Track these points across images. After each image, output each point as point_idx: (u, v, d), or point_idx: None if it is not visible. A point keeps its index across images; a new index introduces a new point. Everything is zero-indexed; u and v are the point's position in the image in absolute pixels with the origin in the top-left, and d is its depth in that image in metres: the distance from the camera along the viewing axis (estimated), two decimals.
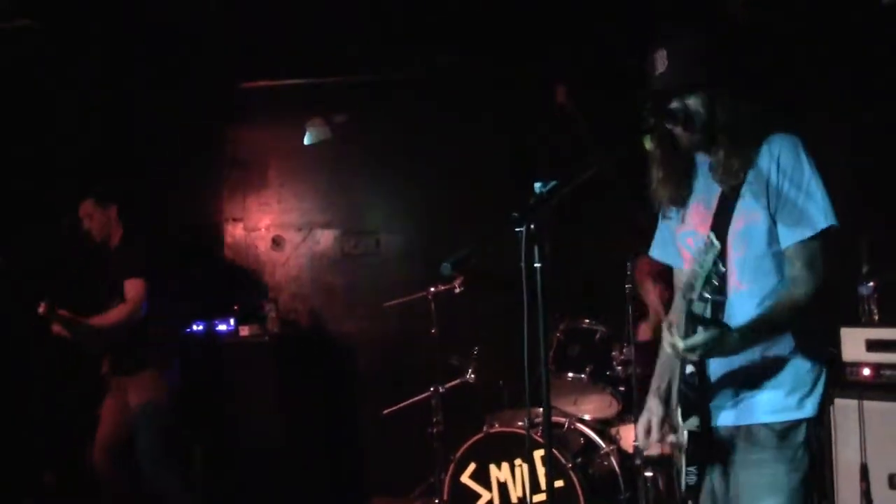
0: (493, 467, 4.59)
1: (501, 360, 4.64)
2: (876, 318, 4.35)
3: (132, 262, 4.88)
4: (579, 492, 4.34)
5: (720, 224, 2.54)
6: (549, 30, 5.59)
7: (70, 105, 5.67)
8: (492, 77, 5.86)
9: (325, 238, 6.33)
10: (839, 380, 4.11)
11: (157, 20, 5.52)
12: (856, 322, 4.31)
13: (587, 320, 4.91)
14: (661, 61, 2.51)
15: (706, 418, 2.55)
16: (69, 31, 5.51)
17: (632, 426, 4.64)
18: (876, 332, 4.17)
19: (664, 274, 3.54)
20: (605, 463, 4.66)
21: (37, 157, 5.64)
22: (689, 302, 2.30)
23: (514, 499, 4.54)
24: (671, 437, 2.67)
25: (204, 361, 5.74)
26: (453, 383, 5.00)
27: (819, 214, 2.43)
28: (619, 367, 4.72)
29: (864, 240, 4.51)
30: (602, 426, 4.86)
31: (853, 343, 4.17)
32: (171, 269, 5.12)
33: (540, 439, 4.28)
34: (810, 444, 2.50)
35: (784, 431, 2.48)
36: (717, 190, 2.58)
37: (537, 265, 2.18)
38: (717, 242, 2.19)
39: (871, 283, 4.39)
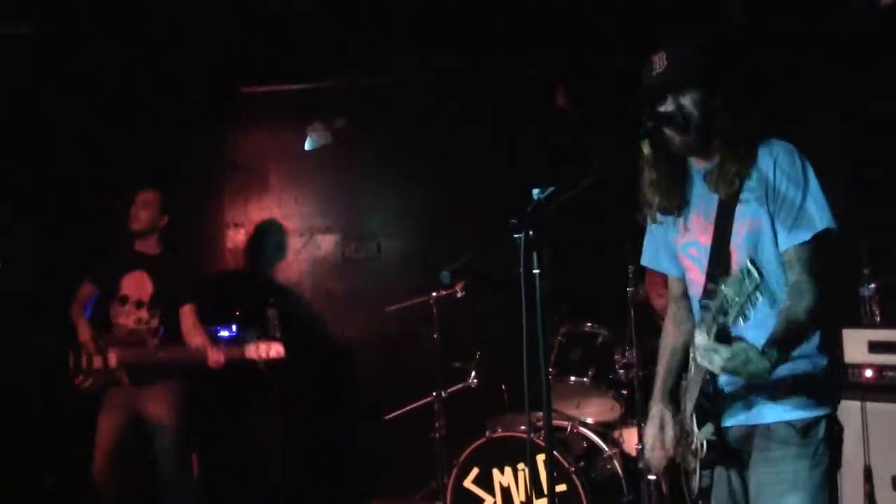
0: (495, 472, 4.59)
1: (503, 365, 4.63)
2: (878, 319, 4.35)
3: (190, 285, 4.98)
4: (582, 495, 4.34)
5: (722, 233, 2.53)
6: (549, 32, 5.59)
7: (70, 109, 5.67)
8: (492, 80, 5.86)
9: (327, 243, 6.33)
10: (842, 382, 4.10)
11: (157, 25, 5.52)
12: (858, 324, 4.31)
13: (589, 324, 4.91)
14: (658, 63, 2.51)
15: (720, 425, 2.55)
16: (69, 36, 5.52)
17: (634, 429, 4.64)
18: (878, 333, 4.18)
19: None
20: (608, 466, 4.65)
21: (36, 161, 5.66)
22: (722, 326, 2.22)
23: (517, 503, 4.53)
24: (685, 443, 2.67)
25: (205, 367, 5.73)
26: (455, 387, 4.99)
27: (816, 217, 2.41)
28: (622, 371, 4.72)
29: (866, 241, 4.51)
30: (604, 430, 4.85)
31: (855, 345, 4.18)
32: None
33: (542, 443, 4.27)
34: (830, 441, 2.49)
35: (805, 428, 2.47)
36: (714, 198, 2.57)
37: (536, 271, 2.17)
38: (755, 273, 2.09)
39: (873, 285, 4.40)
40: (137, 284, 4.91)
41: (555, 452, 4.41)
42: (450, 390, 4.98)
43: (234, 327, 5.94)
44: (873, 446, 3.96)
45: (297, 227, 6.39)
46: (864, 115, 4.88)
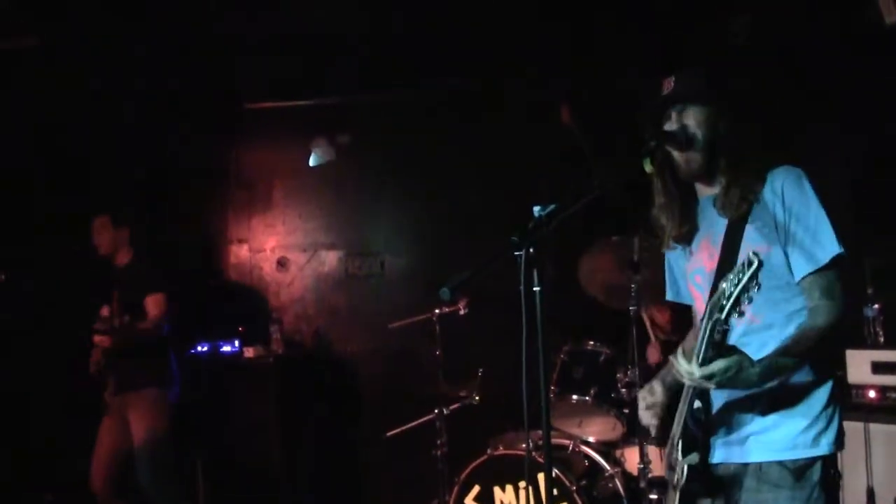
0: (497, 490, 4.57)
1: (505, 382, 4.61)
2: (881, 340, 4.34)
3: (151, 278, 5.08)
4: None
5: (728, 258, 2.48)
6: (554, 49, 5.61)
7: (74, 125, 5.70)
8: (496, 97, 5.88)
9: (330, 259, 6.34)
10: (844, 403, 4.08)
11: (160, 41, 5.55)
12: (861, 344, 4.30)
13: (591, 342, 4.89)
14: (667, 86, 2.53)
15: (707, 455, 2.47)
16: (73, 52, 5.55)
17: (636, 448, 4.62)
18: (881, 354, 4.17)
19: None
20: (610, 485, 4.63)
21: (39, 175, 5.68)
22: (715, 322, 2.20)
23: None
24: (667, 474, 2.62)
25: (208, 383, 5.74)
26: (457, 405, 4.98)
27: (827, 244, 2.39)
28: (624, 390, 4.70)
29: (869, 262, 4.50)
30: (607, 448, 4.83)
31: (858, 365, 4.17)
32: (175, 290, 5.16)
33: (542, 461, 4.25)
34: (826, 484, 2.39)
35: (799, 470, 2.38)
36: (722, 223, 2.54)
37: (536, 289, 2.16)
38: (755, 259, 2.08)
39: (877, 306, 4.39)
40: (115, 297, 5.09)
41: (556, 471, 4.40)
42: (452, 407, 4.97)
43: (236, 342, 5.96)
44: (876, 467, 3.94)
45: (300, 243, 6.40)
46: (869, 134, 4.88)
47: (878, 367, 4.12)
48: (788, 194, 2.44)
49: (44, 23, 5.32)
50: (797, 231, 2.41)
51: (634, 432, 4.66)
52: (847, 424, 3.91)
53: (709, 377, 2.21)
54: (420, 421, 5.03)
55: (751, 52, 5.17)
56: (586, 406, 4.79)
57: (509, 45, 5.65)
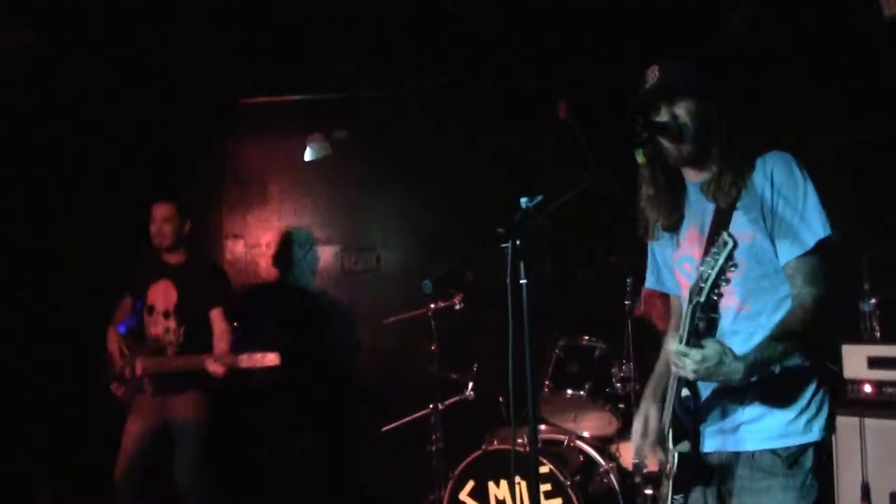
0: (491, 485, 4.56)
1: (501, 377, 4.60)
2: (877, 335, 4.32)
3: (214, 289, 4.96)
4: None
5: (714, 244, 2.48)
6: (550, 46, 5.60)
7: (69, 121, 5.68)
8: (492, 93, 5.87)
9: (326, 254, 6.32)
10: (840, 397, 4.08)
11: (156, 36, 5.54)
12: (857, 339, 4.29)
13: (586, 337, 4.89)
14: (651, 76, 2.51)
15: (698, 443, 2.48)
16: (69, 48, 5.53)
17: (631, 444, 4.61)
18: (877, 349, 4.15)
19: None
20: (605, 481, 4.62)
21: (36, 171, 5.67)
22: (696, 305, 2.20)
23: None
24: (660, 459, 2.63)
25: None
26: (453, 400, 4.98)
27: (814, 227, 2.40)
28: (619, 384, 4.70)
29: (866, 257, 4.49)
30: (601, 444, 4.83)
31: (854, 360, 4.15)
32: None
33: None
34: (819, 470, 2.41)
35: (792, 457, 2.40)
36: (710, 210, 2.54)
37: (523, 281, 2.15)
38: (729, 240, 2.10)
39: (873, 300, 4.38)
40: (163, 294, 4.91)
41: (551, 466, 4.39)
42: (447, 402, 4.97)
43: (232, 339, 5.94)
44: (871, 463, 3.93)
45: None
46: (866, 128, 4.87)
47: (874, 363, 4.11)
48: (778, 176, 2.44)
49: (39, 18, 5.30)
50: (785, 211, 2.41)
51: (629, 427, 4.65)
52: (842, 419, 3.99)
53: (690, 369, 2.21)
54: (416, 416, 5.03)
55: (750, 47, 5.16)
56: (581, 401, 4.79)
57: (507, 42, 5.64)
